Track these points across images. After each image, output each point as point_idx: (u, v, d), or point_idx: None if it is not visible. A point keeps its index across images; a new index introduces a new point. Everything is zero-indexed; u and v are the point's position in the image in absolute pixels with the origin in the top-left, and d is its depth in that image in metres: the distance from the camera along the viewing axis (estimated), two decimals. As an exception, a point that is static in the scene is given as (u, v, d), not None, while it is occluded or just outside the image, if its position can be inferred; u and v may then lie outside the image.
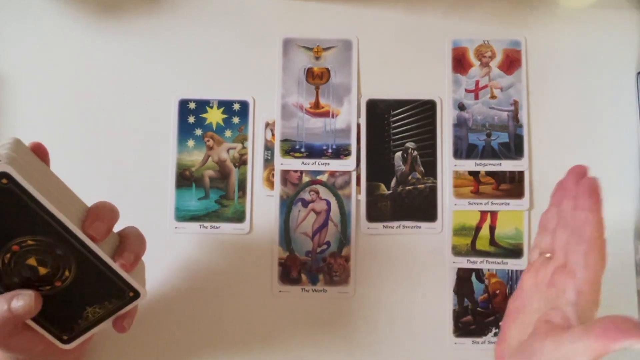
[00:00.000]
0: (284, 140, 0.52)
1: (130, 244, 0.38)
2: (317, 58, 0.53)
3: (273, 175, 0.52)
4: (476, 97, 0.53)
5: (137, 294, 0.38)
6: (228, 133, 0.52)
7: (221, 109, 0.52)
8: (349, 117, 0.52)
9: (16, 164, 0.31)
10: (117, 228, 0.40)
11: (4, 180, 0.31)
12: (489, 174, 0.52)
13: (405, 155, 0.52)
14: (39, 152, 0.36)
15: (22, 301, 0.34)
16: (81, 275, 0.35)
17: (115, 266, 0.36)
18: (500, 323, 0.50)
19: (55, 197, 0.33)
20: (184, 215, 0.51)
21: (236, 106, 0.52)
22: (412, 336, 0.50)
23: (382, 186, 0.52)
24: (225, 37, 0.53)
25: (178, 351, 0.50)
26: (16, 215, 0.32)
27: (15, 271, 0.34)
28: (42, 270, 0.35)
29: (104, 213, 0.36)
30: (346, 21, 0.53)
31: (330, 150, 0.52)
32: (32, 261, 0.34)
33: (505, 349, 0.34)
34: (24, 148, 0.35)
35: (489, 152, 0.52)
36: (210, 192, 0.52)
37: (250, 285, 0.50)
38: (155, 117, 0.52)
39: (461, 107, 0.53)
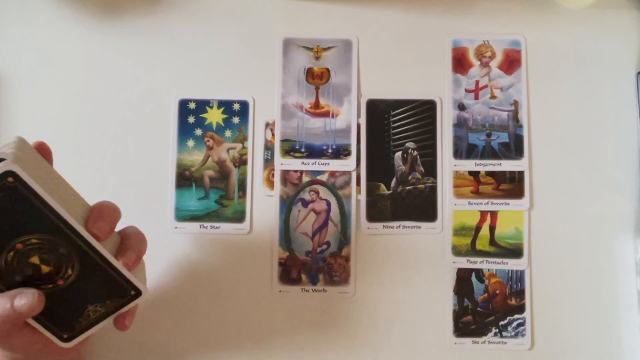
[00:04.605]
0: (284, 140, 0.52)
1: (132, 243, 0.39)
2: (317, 58, 0.53)
3: (273, 175, 0.52)
4: (476, 97, 0.53)
5: (138, 292, 0.38)
6: (228, 133, 0.52)
7: (221, 109, 0.52)
8: (349, 117, 0.52)
9: (22, 162, 0.32)
10: (117, 228, 0.40)
11: (10, 179, 0.31)
12: (489, 174, 0.52)
13: (405, 155, 0.52)
14: (43, 151, 0.37)
15: (25, 299, 0.34)
16: (83, 274, 0.35)
17: (118, 265, 0.36)
18: (500, 323, 0.50)
19: (59, 196, 0.33)
20: (184, 215, 0.51)
21: (236, 106, 0.52)
22: (412, 336, 0.50)
23: (382, 186, 0.52)
24: (225, 37, 0.53)
25: (178, 351, 0.50)
26: (21, 214, 0.32)
27: (17, 269, 0.34)
28: (45, 269, 0.35)
29: (107, 212, 0.36)
30: (346, 21, 0.53)
31: (330, 150, 0.52)
32: (35, 259, 0.34)
33: None
34: (28, 147, 0.35)
35: (489, 152, 0.52)
36: (210, 192, 0.52)
37: (250, 285, 0.50)
38: (155, 117, 0.52)
39: (461, 107, 0.53)
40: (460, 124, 0.52)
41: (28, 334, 0.36)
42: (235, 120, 0.52)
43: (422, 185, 0.52)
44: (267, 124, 0.52)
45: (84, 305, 0.37)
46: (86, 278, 0.36)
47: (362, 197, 0.51)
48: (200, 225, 0.51)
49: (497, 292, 0.51)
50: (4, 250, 0.33)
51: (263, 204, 0.51)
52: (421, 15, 0.53)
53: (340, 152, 0.52)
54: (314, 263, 0.51)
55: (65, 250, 0.34)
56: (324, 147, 0.52)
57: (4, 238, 0.33)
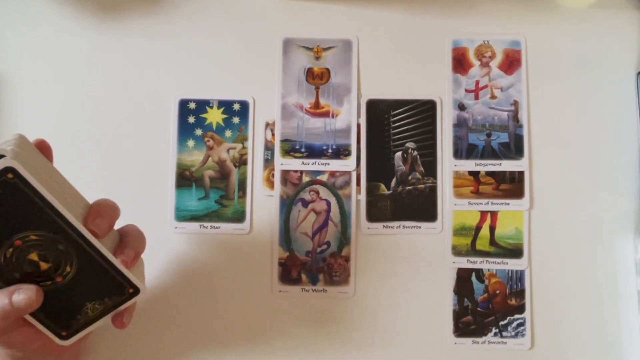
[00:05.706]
0: (284, 140, 0.52)
1: (131, 240, 0.39)
2: (317, 58, 0.53)
3: (273, 175, 0.52)
4: (476, 97, 0.53)
5: (136, 291, 0.38)
6: (228, 133, 0.52)
7: (221, 109, 0.52)
8: (349, 117, 0.52)
9: (21, 159, 0.32)
10: (116, 227, 0.40)
11: (10, 175, 0.31)
12: (489, 174, 0.52)
13: (405, 155, 0.52)
14: (43, 148, 0.37)
15: (23, 295, 0.34)
16: (82, 271, 0.36)
17: (116, 262, 0.36)
18: (500, 323, 0.50)
19: (58, 193, 0.33)
20: (184, 215, 0.51)
21: (236, 106, 0.52)
22: (412, 336, 0.50)
23: (382, 186, 0.52)
24: (225, 37, 0.53)
25: (178, 350, 0.50)
26: (20, 210, 0.32)
27: (16, 266, 0.34)
28: (44, 266, 0.35)
29: (106, 210, 0.37)
30: (346, 21, 0.53)
31: (330, 150, 0.52)
32: (34, 256, 0.34)
33: None
34: (28, 144, 0.35)
35: (489, 152, 0.52)
36: (210, 192, 0.52)
37: (250, 285, 0.50)
38: (155, 117, 0.52)
39: (461, 107, 0.53)
40: (460, 124, 0.52)
41: (26, 332, 0.36)
42: (235, 120, 0.52)
43: (422, 185, 0.52)
44: (267, 124, 0.52)
45: (82, 302, 0.37)
46: (85, 275, 0.36)
47: (362, 197, 0.51)
48: (200, 225, 0.51)
49: (497, 292, 0.51)
50: (2, 247, 0.34)
51: (263, 204, 0.51)
52: (421, 15, 0.54)
53: (340, 152, 0.52)
54: (314, 263, 0.51)
55: (64, 247, 0.34)
56: (324, 147, 0.52)
57: (3, 234, 0.33)
